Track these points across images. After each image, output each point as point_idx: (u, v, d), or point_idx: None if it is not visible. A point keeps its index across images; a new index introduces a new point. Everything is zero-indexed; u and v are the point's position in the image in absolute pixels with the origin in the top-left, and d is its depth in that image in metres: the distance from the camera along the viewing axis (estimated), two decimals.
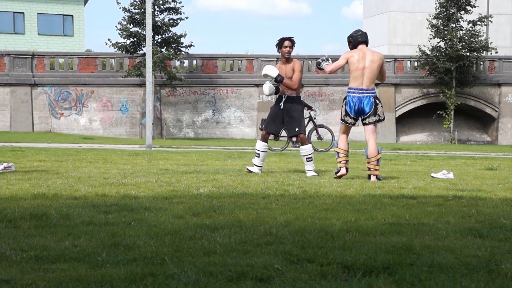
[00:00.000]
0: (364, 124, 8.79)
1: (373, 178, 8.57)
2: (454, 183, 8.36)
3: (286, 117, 9.67)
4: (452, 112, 35.15)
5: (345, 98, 8.86)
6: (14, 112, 32.86)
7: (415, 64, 36.22)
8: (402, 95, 35.81)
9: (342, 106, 8.90)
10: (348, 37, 8.88)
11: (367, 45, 8.84)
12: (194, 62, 34.80)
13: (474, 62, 35.69)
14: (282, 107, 9.64)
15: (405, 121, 36.57)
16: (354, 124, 8.92)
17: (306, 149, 9.64)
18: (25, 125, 32.79)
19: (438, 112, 35.19)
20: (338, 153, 8.92)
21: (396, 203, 6.03)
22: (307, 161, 9.62)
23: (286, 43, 9.58)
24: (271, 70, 9.49)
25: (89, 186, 7.17)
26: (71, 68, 33.70)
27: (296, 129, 9.63)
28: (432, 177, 9.36)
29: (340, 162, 8.86)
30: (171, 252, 3.74)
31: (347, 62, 8.74)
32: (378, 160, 8.66)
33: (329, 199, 6.30)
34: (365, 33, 8.89)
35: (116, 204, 5.65)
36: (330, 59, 9.04)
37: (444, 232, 4.49)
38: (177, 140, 30.73)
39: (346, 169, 8.86)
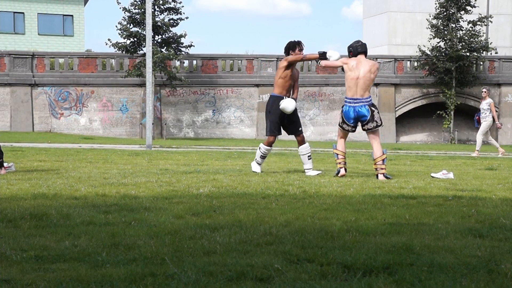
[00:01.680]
0: (364, 130, 9.27)
1: (380, 176, 8.97)
2: (454, 183, 8.37)
3: (286, 117, 9.74)
4: (452, 112, 35.15)
5: (343, 106, 9.32)
6: (14, 112, 32.85)
7: (415, 64, 36.21)
8: (402, 95, 35.81)
9: (341, 113, 9.36)
10: (348, 47, 9.31)
11: (366, 56, 9.26)
12: (194, 62, 34.80)
13: (474, 62, 35.68)
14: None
15: (405, 121, 36.56)
16: (352, 131, 9.37)
17: (306, 148, 9.75)
18: (25, 125, 32.78)
19: (438, 112, 35.19)
20: (337, 154, 9.40)
21: (396, 203, 6.03)
22: (309, 159, 9.71)
23: (300, 47, 9.68)
24: (335, 55, 9.40)
25: (89, 186, 7.17)
26: (71, 68, 33.70)
27: (300, 129, 9.92)
28: (432, 177, 9.37)
29: (339, 163, 9.36)
30: (171, 252, 3.74)
31: (342, 68, 9.21)
32: (383, 160, 9.11)
33: (329, 199, 6.31)
34: (365, 44, 9.37)
35: (116, 204, 5.66)
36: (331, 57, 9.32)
37: (444, 232, 4.49)
38: (177, 140, 30.73)
39: (345, 169, 9.36)
